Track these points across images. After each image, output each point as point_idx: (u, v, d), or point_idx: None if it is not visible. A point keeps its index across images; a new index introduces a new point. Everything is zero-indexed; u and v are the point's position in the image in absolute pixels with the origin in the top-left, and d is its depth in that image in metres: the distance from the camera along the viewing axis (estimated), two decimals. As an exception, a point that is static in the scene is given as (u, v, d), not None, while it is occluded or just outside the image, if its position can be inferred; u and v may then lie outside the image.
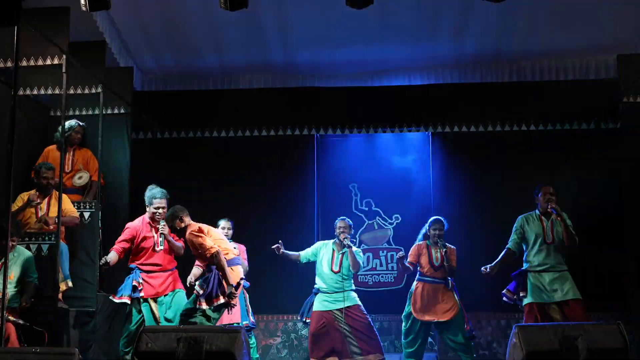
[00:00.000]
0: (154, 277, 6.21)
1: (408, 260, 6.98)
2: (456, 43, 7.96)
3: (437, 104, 7.98)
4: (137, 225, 6.28)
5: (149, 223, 6.29)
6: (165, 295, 6.21)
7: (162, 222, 6.17)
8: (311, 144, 8.18)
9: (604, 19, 7.40)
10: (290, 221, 7.96)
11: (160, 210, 6.18)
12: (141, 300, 6.14)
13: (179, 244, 6.28)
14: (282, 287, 7.48)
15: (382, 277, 8.22)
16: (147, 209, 6.28)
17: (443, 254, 6.78)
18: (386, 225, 8.32)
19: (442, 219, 6.99)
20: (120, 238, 6.26)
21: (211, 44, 8.03)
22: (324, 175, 8.34)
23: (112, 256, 6.10)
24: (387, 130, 8.07)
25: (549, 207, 6.26)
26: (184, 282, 6.42)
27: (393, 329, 8.05)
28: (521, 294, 6.35)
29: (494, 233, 7.43)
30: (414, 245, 7.06)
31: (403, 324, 6.91)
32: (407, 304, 6.91)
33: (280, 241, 6.78)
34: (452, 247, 6.91)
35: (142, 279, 6.15)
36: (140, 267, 6.22)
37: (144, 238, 6.23)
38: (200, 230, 5.84)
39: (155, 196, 6.23)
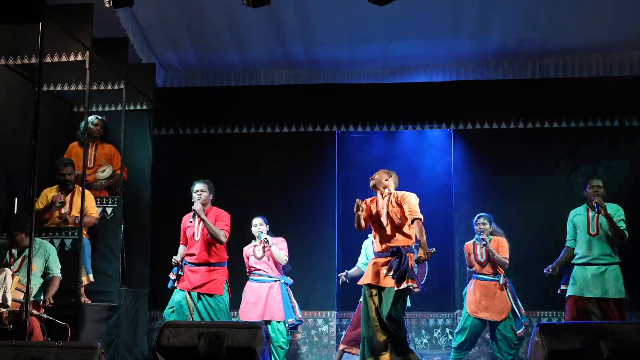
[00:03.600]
0: (192, 271, 6.24)
1: (467, 263, 7.02)
2: (478, 39, 7.91)
3: (459, 101, 7.95)
4: (185, 216, 6.44)
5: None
6: (206, 297, 6.19)
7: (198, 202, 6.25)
8: (332, 140, 8.16)
9: (628, 15, 7.32)
10: (310, 218, 7.96)
11: (200, 193, 6.27)
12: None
13: (216, 228, 6.18)
14: (303, 283, 7.48)
15: (402, 274, 8.18)
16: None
17: (486, 247, 6.75)
18: (407, 223, 8.27)
19: (484, 214, 6.94)
20: None
21: (233, 41, 8.05)
22: (344, 172, 8.34)
23: (181, 250, 6.39)
24: (409, 127, 8.05)
25: (593, 200, 6.20)
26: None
27: (413, 325, 8.06)
28: (562, 287, 6.39)
29: (516, 229, 7.37)
30: (465, 244, 7.09)
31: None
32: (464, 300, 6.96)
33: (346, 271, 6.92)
34: (501, 237, 6.85)
35: (184, 271, 6.27)
36: (185, 258, 6.33)
37: (187, 227, 6.37)
38: None
39: (195, 183, 6.37)
